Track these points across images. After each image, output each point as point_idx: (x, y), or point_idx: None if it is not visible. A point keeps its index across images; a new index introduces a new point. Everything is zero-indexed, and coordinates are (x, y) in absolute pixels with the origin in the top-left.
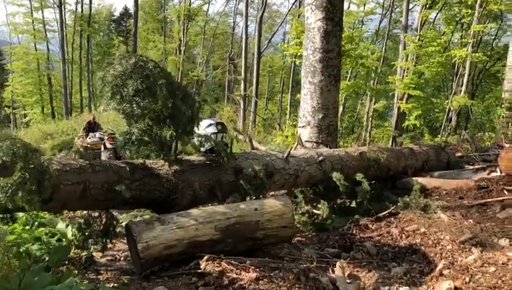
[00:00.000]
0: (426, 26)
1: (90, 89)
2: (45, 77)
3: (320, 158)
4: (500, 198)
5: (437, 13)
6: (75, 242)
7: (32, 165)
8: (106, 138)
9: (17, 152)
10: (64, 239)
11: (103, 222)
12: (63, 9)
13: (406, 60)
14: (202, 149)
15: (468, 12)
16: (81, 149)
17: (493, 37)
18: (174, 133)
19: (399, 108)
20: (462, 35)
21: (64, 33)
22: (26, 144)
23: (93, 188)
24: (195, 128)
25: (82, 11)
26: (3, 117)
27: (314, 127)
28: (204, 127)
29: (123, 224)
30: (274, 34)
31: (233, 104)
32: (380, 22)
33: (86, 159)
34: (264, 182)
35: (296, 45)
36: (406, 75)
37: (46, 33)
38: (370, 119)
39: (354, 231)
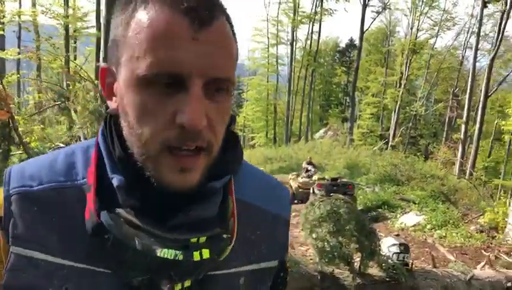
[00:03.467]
0: None
1: (309, 116)
2: (272, 105)
3: (509, 284)
4: None
5: None
6: None
7: None
8: (316, 183)
9: None
10: None
11: None
12: (294, 45)
13: None
14: (384, 265)
15: None
16: (293, 189)
17: None
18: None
19: None
20: None
21: (293, 67)
22: None
23: None
24: (377, 253)
25: (310, 47)
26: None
27: None
28: (388, 245)
29: None
30: (510, 72)
31: (452, 143)
32: None
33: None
34: None
35: None
36: None
37: (277, 67)
38: None
39: None
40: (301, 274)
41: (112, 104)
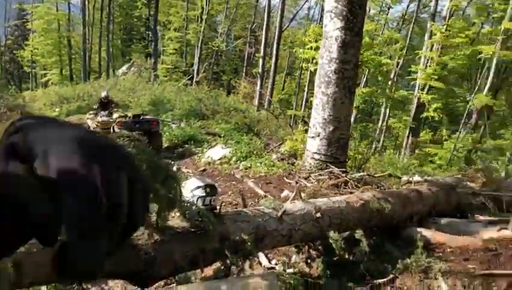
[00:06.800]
0: (456, 15)
1: (109, 50)
2: (65, 38)
3: (318, 215)
4: (508, 271)
5: (469, 2)
6: None
7: None
8: (116, 120)
9: None
10: None
11: None
12: None
13: (431, 50)
14: (187, 213)
15: (500, 8)
16: (91, 129)
17: None
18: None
19: (419, 98)
20: (492, 24)
21: None
22: None
23: None
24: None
25: None
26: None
27: (324, 139)
28: (192, 188)
29: None
30: (299, 9)
31: (251, 78)
32: (408, 6)
33: None
34: (252, 249)
35: (312, 49)
36: (430, 65)
37: None
38: (383, 131)
39: None
40: None
41: None
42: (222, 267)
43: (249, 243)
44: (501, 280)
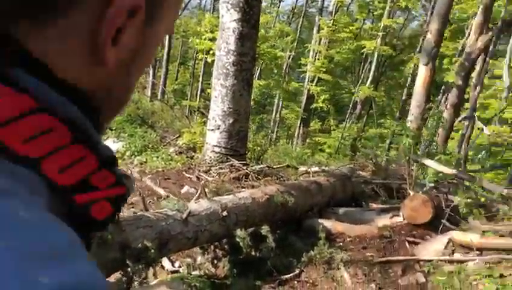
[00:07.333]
0: (341, 10)
1: None
2: None
3: (224, 213)
4: (402, 257)
5: None
6: None
7: None
8: None
9: None
10: None
11: None
12: None
13: (319, 44)
14: None
15: (380, 6)
16: None
17: (400, 26)
18: None
19: (309, 90)
20: (373, 20)
21: None
22: None
23: None
24: None
25: None
26: None
27: (224, 131)
28: None
29: None
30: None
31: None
32: (297, 0)
33: None
34: (156, 256)
35: (208, 40)
36: (318, 59)
37: None
38: (277, 122)
39: None
40: None
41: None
42: (123, 278)
43: (152, 250)
44: (396, 265)
